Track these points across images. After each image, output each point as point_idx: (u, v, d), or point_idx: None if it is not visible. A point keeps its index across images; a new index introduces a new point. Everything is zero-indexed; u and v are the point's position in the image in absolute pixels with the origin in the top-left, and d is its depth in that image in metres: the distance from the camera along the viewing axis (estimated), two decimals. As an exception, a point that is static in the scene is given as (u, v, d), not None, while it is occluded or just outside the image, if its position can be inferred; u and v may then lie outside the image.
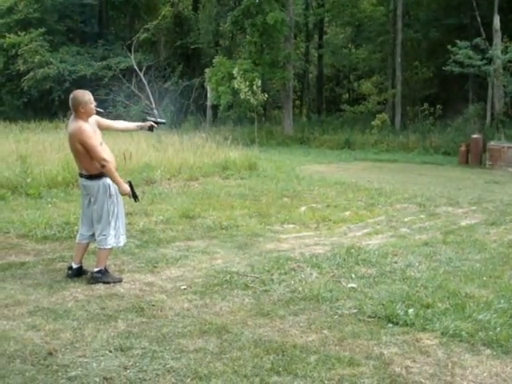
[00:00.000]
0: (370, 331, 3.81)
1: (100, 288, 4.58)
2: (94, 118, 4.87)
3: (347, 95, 35.51)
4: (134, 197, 4.93)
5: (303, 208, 8.43)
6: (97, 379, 3.02)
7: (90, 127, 4.71)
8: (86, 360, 3.25)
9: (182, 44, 29.79)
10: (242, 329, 3.78)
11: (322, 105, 32.16)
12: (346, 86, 35.60)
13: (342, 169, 14.67)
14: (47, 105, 29.55)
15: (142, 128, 5.24)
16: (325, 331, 3.80)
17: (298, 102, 34.34)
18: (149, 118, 5.23)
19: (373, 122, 22.25)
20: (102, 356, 3.31)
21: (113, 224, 4.78)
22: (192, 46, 29.27)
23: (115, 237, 4.81)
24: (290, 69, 24.06)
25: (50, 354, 3.30)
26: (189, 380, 3.05)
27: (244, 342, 3.56)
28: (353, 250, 5.85)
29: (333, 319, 4.02)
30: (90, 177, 4.78)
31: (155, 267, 5.18)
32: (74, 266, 4.91)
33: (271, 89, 28.32)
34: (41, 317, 3.90)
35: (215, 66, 22.96)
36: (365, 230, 7.04)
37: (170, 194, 9.47)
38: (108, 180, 4.76)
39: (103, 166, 4.67)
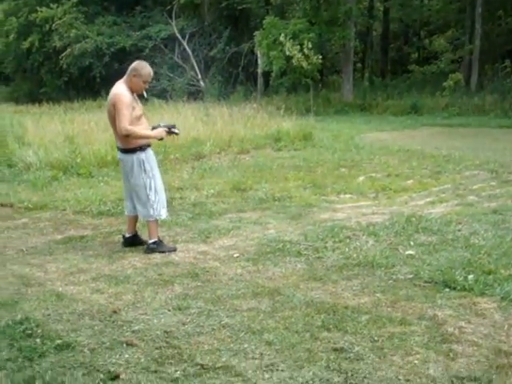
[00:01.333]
0: (424, 295, 4.18)
1: (156, 257, 5.26)
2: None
3: (416, 54, 34.88)
4: (172, 132, 5.47)
5: (361, 178, 8.84)
6: (158, 332, 3.65)
7: (131, 97, 5.19)
8: (147, 317, 3.90)
9: (228, 5, 29.48)
10: (294, 291, 4.30)
11: (387, 66, 31.81)
12: (416, 43, 34.87)
13: (406, 136, 14.84)
14: (89, 82, 30.85)
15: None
16: (378, 294, 4.23)
17: (359, 65, 34.11)
18: (161, 124, 5.55)
19: (444, 83, 21.99)
20: (162, 314, 3.95)
21: (152, 198, 5.35)
22: (239, 7, 28.86)
23: (156, 210, 5.38)
24: (350, 27, 23.68)
25: (115, 312, 3.98)
26: (242, 334, 3.61)
27: (296, 303, 4.08)
28: (413, 219, 6.18)
29: (387, 284, 4.43)
30: (125, 150, 5.35)
31: (208, 237, 5.82)
32: (127, 235, 5.63)
33: (329, 51, 28.24)
34: (103, 282, 4.62)
35: (266, 29, 22.84)
36: (428, 199, 7.34)
37: (220, 167, 10.14)
38: (142, 155, 5.29)
39: (127, 136, 5.18)
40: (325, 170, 9.62)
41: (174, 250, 5.42)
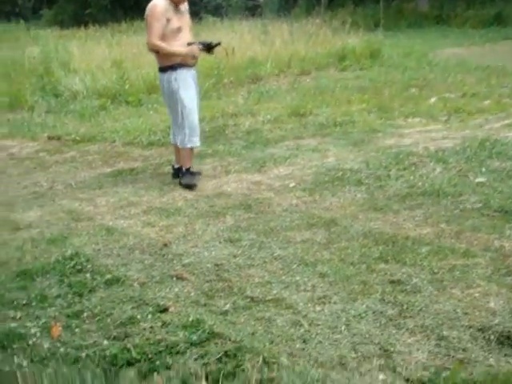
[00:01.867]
0: (492, 225, 4.15)
1: (208, 188, 5.42)
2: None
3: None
4: (212, 47, 5.35)
5: (433, 99, 8.64)
6: (209, 265, 3.82)
7: (166, 8, 5.06)
8: (198, 250, 4.07)
9: None
10: (351, 222, 4.37)
11: (471, -31, 30.07)
12: None
13: (487, 51, 14.28)
14: (137, 0, 30.68)
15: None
16: (442, 225, 4.23)
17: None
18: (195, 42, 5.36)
19: (537, -14, 20.75)
20: (213, 247, 4.11)
21: (182, 123, 5.35)
22: None
23: (186, 135, 5.37)
24: None
25: (165, 245, 4.17)
26: (295, 266, 3.73)
27: (353, 234, 4.16)
28: (487, 143, 6.06)
29: (452, 213, 4.42)
30: (160, 69, 5.37)
31: (263, 167, 5.92)
32: (176, 165, 5.77)
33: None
34: (154, 215, 4.82)
35: None
36: (505, 121, 7.15)
37: (278, 91, 10.13)
38: (172, 75, 5.19)
39: (157, 52, 5.15)
40: (393, 91, 9.43)
41: (194, 185, 5.37)
